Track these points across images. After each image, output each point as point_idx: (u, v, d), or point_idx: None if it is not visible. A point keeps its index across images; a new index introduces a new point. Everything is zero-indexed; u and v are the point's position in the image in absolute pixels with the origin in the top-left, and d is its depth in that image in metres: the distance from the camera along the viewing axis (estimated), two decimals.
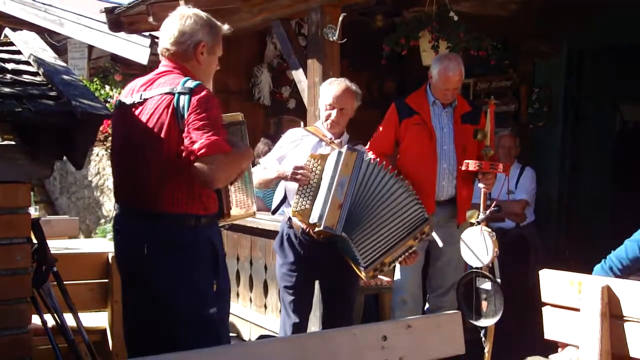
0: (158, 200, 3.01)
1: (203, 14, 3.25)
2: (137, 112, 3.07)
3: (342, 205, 3.85)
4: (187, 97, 2.97)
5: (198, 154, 2.87)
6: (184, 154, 2.92)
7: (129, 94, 3.18)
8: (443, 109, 4.75)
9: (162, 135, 2.97)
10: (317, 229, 3.89)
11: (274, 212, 4.53)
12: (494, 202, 4.27)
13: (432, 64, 4.73)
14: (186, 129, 2.93)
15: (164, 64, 3.21)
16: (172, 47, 3.18)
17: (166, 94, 3.02)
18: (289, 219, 4.21)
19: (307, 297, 4.33)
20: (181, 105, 2.96)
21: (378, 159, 4.11)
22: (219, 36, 3.29)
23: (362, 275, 3.94)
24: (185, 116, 2.94)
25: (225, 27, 3.33)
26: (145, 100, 3.07)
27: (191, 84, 3.01)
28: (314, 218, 3.86)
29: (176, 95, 2.98)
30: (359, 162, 3.94)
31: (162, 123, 2.98)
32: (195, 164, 2.89)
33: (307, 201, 3.91)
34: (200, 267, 3.09)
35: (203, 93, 3.00)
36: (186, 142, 2.92)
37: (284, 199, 4.30)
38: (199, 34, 3.18)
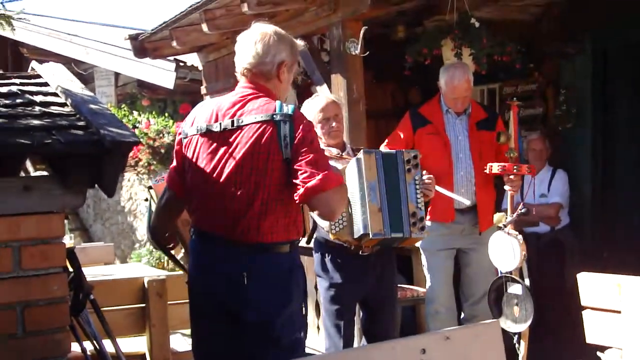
0: (258, 232, 2.93)
1: (282, 31, 3.13)
2: (231, 140, 2.94)
3: (381, 208, 3.80)
4: (288, 124, 2.88)
5: (320, 189, 2.82)
6: (300, 189, 2.85)
7: (211, 119, 3.02)
8: (457, 117, 4.77)
9: (265, 166, 2.89)
10: (366, 239, 3.82)
11: (308, 242, 4.24)
12: (521, 204, 4.25)
13: (440, 73, 4.75)
14: (298, 162, 2.86)
15: (246, 86, 3.07)
16: (255, 67, 3.05)
17: (264, 122, 2.90)
18: (326, 241, 4.13)
19: (353, 320, 4.27)
20: (283, 133, 2.88)
21: (389, 150, 4.06)
22: (298, 54, 3.20)
23: (414, 237, 3.91)
24: (291, 146, 2.87)
25: (302, 44, 3.24)
26: (240, 127, 2.94)
27: (288, 109, 2.93)
28: (359, 230, 3.78)
29: (277, 124, 2.88)
30: (379, 162, 3.88)
31: (264, 154, 2.88)
32: (317, 200, 2.85)
33: (343, 220, 3.84)
34: (297, 291, 3.06)
35: (305, 120, 2.95)
36: (301, 176, 2.85)
37: (315, 226, 4.16)
38: (282, 53, 3.07)
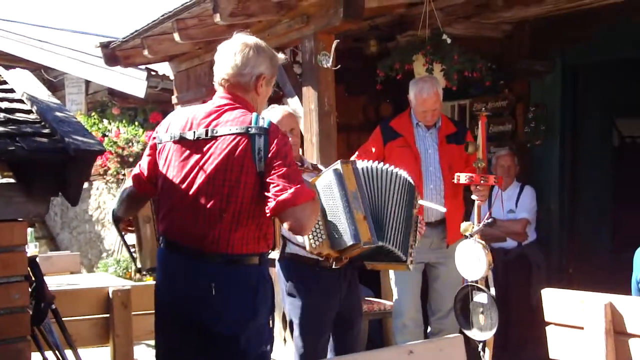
0: (227, 244, 2.91)
1: (263, 44, 3.11)
2: (204, 150, 2.93)
3: (366, 217, 3.72)
4: (263, 137, 2.87)
5: (291, 204, 2.80)
6: (271, 203, 2.82)
7: (186, 127, 3.00)
8: (427, 131, 4.82)
9: (238, 178, 2.87)
10: (350, 251, 3.79)
11: (280, 259, 4.17)
12: (488, 214, 4.28)
13: (409, 87, 4.79)
14: (270, 175, 2.84)
15: (223, 96, 3.05)
16: (233, 78, 3.03)
17: (239, 134, 2.89)
18: (298, 257, 4.04)
19: (328, 337, 4.17)
20: (257, 146, 2.86)
21: (365, 160, 3.98)
22: (277, 67, 3.18)
23: (406, 267, 3.86)
24: (264, 158, 2.86)
25: (282, 57, 3.24)
26: (214, 138, 2.92)
27: (263, 122, 2.91)
28: (347, 240, 3.63)
29: (252, 137, 2.87)
30: (357, 171, 3.80)
31: (237, 166, 2.87)
32: (287, 214, 2.82)
33: (321, 233, 3.72)
34: (265, 304, 3.03)
35: (280, 134, 2.93)
36: (273, 189, 2.82)
37: (285, 243, 4.06)
38: (261, 66, 3.05)
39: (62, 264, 6.29)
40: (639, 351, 2.88)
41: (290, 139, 3.96)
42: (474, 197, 4.40)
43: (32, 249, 5.70)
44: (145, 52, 6.68)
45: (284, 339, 5.64)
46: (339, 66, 5.14)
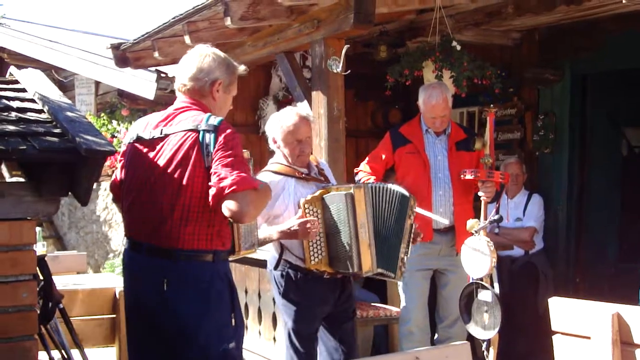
0: (179, 238, 3.01)
1: (221, 53, 3.30)
2: (158, 148, 3.07)
3: (370, 244, 3.82)
4: (212, 134, 2.99)
5: (229, 190, 2.89)
6: (212, 191, 2.92)
7: (145, 129, 3.17)
8: (437, 137, 4.82)
9: (187, 173, 2.99)
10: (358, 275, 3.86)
11: (276, 267, 4.08)
12: (494, 211, 4.29)
13: (419, 93, 4.80)
14: (214, 165, 2.95)
15: (181, 100, 3.22)
16: (189, 82, 3.20)
17: (190, 130, 3.03)
18: (291, 264, 4.02)
19: (317, 340, 4.18)
20: (206, 142, 2.99)
21: (378, 183, 4.09)
22: (235, 76, 3.31)
23: (393, 278, 3.98)
24: (212, 153, 2.97)
25: (242, 68, 3.37)
26: (167, 135, 3.07)
27: (214, 120, 3.04)
28: (349, 268, 3.78)
29: (201, 133, 3.01)
30: (369, 197, 3.88)
31: (187, 161, 3.00)
32: (226, 200, 2.90)
33: (321, 249, 3.83)
34: (220, 302, 3.09)
35: (229, 130, 3.04)
36: (214, 178, 2.93)
37: (282, 251, 4.01)
38: (216, 71, 3.21)
39: (68, 263, 6.30)
40: None
41: (305, 150, 4.01)
42: (480, 193, 4.40)
43: (40, 249, 5.72)
44: (156, 54, 6.69)
45: (274, 338, 5.66)
46: (349, 71, 5.15)
